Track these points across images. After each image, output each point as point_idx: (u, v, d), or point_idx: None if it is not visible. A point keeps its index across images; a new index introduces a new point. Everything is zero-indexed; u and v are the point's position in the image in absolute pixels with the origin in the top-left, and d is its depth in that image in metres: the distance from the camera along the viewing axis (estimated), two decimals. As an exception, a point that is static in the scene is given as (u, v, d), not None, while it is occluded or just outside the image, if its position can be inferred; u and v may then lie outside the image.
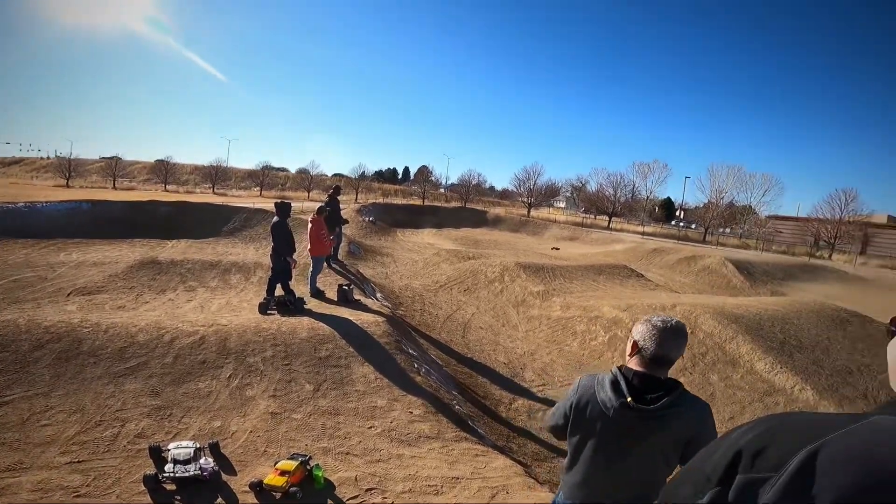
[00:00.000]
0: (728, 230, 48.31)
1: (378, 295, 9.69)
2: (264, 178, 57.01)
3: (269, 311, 6.82)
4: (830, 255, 38.09)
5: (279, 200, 7.83)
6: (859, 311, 10.40)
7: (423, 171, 59.38)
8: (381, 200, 41.05)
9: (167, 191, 43.76)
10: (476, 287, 11.38)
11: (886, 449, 0.61)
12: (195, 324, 5.89)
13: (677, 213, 62.69)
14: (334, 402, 4.89)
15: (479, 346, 8.32)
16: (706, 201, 49.93)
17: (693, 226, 52.39)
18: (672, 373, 1.79)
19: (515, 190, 57.09)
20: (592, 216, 54.18)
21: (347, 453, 4.15)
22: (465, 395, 6.23)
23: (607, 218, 50.11)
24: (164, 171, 51.23)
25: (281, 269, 7.23)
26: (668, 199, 63.57)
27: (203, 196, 37.17)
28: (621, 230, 43.23)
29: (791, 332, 8.56)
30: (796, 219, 48.87)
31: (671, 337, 1.70)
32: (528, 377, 7.27)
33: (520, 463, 4.58)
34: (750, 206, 48.91)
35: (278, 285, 7.24)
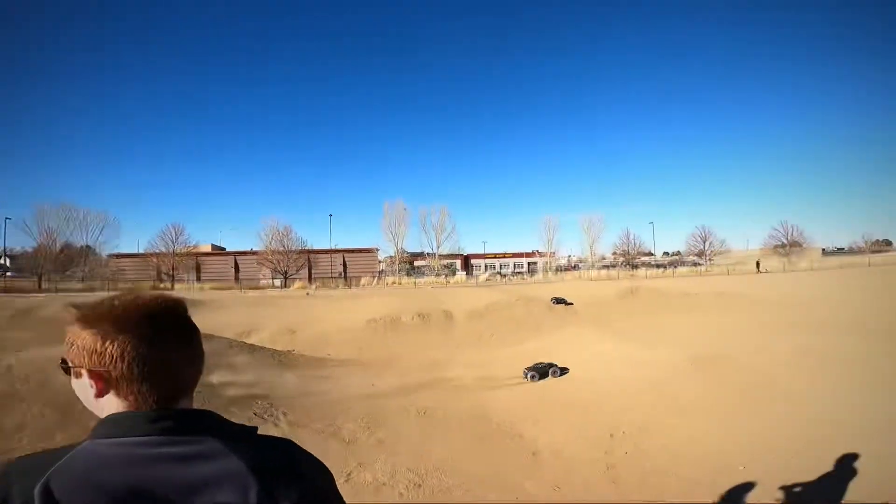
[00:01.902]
0: (68, 273, 44.50)
1: None
2: None
3: None
4: (173, 286, 43.15)
5: None
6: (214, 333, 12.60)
7: None
8: None
9: None
10: None
11: (103, 470, 0.78)
12: None
13: (2, 262, 50.79)
14: None
15: None
16: (36, 246, 43.71)
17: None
18: None
19: None
20: None
21: None
22: None
23: None
24: None
25: None
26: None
27: None
28: None
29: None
30: (137, 255, 51.16)
31: None
32: None
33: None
34: (89, 247, 47.02)
35: None
